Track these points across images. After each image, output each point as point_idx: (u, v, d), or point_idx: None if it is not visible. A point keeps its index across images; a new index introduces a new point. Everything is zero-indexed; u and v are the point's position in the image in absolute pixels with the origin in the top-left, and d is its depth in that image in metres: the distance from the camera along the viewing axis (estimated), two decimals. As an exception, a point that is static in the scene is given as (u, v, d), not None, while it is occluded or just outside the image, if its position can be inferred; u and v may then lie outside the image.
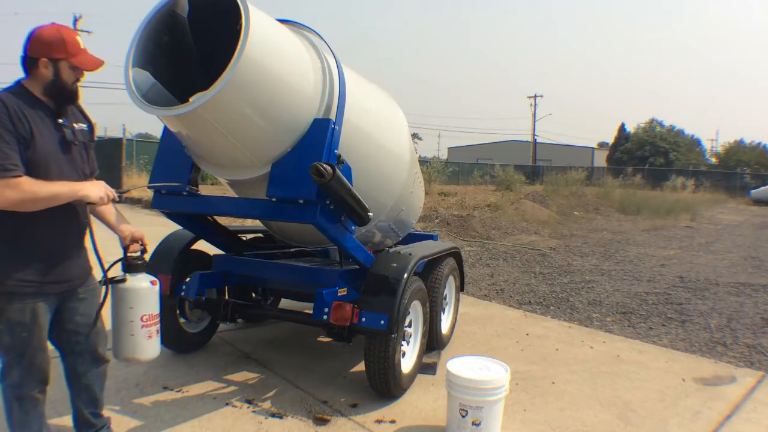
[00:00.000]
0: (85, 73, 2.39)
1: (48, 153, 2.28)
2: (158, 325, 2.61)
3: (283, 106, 2.96)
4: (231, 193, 3.63)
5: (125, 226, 2.64)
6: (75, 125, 2.45)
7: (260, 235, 4.88)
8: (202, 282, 3.81)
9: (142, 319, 2.52)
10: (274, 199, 3.13)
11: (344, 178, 3.00)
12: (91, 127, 2.57)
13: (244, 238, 4.62)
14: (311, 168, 2.85)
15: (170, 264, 3.91)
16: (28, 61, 2.29)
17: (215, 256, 4.12)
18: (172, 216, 3.69)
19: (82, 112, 2.55)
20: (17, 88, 2.32)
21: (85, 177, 2.48)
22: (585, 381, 4.09)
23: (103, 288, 2.56)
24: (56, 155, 2.33)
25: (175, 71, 3.07)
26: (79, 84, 2.39)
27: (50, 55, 2.26)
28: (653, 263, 9.65)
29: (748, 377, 4.31)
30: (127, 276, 2.53)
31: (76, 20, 33.54)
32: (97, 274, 2.59)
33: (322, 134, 3.04)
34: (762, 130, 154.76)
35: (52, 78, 2.29)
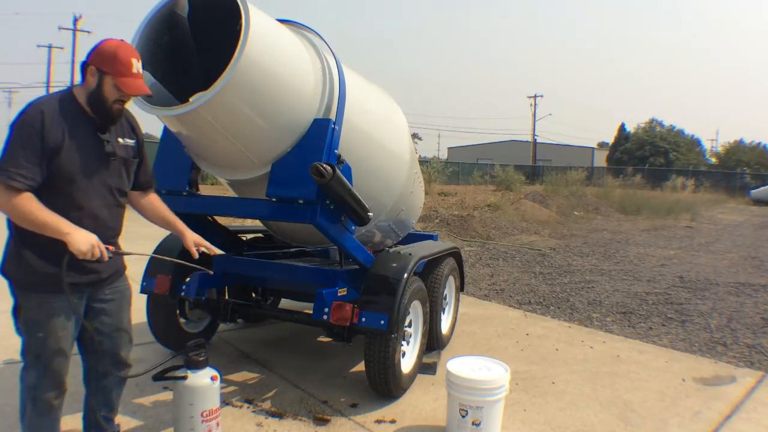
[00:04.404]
0: (131, 97, 2.36)
1: (77, 165, 2.24)
2: (218, 418, 2.66)
3: (283, 106, 2.96)
4: (231, 193, 3.63)
5: (189, 234, 2.72)
6: (120, 140, 2.41)
7: (260, 235, 4.87)
8: (202, 282, 3.81)
9: (202, 414, 2.56)
10: (274, 199, 3.13)
11: (344, 178, 3.00)
12: (138, 144, 2.52)
13: (244, 238, 4.61)
14: (311, 168, 2.85)
15: (170, 264, 3.90)
16: (84, 66, 2.29)
17: (215, 256, 4.11)
18: (171, 216, 3.68)
19: (133, 127, 2.52)
20: (66, 93, 2.32)
21: (119, 193, 2.43)
22: (585, 381, 4.09)
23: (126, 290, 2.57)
24: (87, 168, 2.28)
25: (175, 71, 3.08)
26: (123, 105, 2.34)
27: (99, 66, 2.26)
28: (653, 263, 9.65)
29: (748, 377, 4.31)
30: (188, 373, 2.56)
31: (76, 20, 33.52)
32: (133, 278, 2.60)
33: (322, 134, 3.04)
34: (762, 130, 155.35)
35: (94, 88, 2.27)
